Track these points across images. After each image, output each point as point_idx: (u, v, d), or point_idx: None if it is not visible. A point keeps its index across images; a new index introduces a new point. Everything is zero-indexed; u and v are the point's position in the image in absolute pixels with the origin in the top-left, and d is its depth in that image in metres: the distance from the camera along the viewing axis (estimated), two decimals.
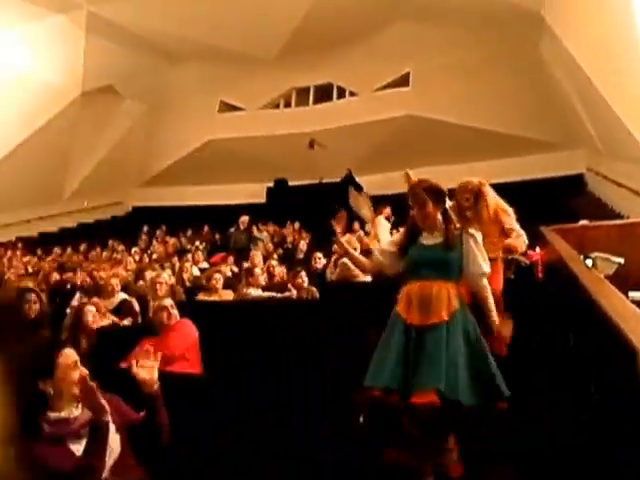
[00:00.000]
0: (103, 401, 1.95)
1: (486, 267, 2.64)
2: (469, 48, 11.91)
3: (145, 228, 12.73)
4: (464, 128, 11.96)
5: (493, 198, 3.87)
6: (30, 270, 8.99)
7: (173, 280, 5.91)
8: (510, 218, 3.85)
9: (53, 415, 1.93)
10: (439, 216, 2.65)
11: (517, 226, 3.81)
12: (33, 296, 4.09)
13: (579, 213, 8.00)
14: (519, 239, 3.80)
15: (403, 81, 13.16)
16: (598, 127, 9.44)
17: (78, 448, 1.92)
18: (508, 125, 11.85)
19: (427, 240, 2.68)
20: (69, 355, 2.01)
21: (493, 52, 11.75)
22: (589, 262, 4.71)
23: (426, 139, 12.23)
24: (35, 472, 1.81)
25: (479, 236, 2.66)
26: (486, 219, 3.74)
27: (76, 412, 1.96)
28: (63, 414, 1.94)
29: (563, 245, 4.80)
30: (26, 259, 10.18)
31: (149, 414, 2.16)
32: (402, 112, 12.63)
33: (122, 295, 5.14)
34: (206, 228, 11.95)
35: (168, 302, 3.93)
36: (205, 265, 8.18)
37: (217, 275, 5.46)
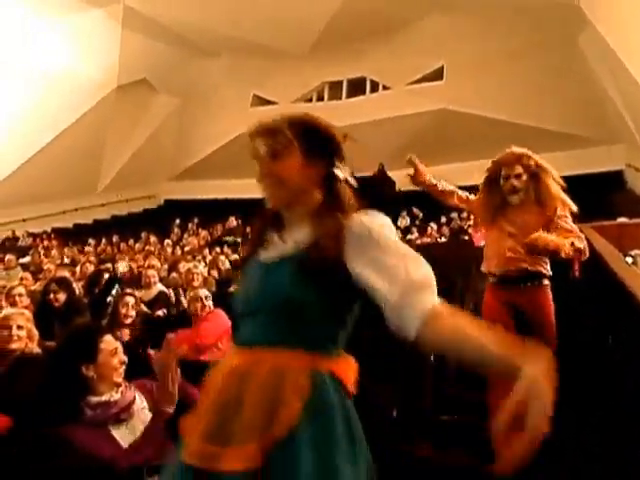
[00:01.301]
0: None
1: (431, 299, 1.03)
2: (504, 41, 11.69)
3: (177, 221, 12.88)
4: (499, 122, 11.74)
5: (556, 182, 2.80)
6: (67, 260, 9.18)
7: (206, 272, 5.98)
8: (567, 214, 2.74)
9: (94, 399, 1.98)
10: (314, 188, 1.21)
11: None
12: (53, 285, 4.16)
13: (618, 210, 7.78)
14: (576, 240, 2.56)
15: (437, 75, 13.01)
16: (638, 122, 9.17)
17: (119, 432, 1.98)
18: (544, 119, 11.58)
19: (269, 250, 1.22)
20: (110, 342, 2.07)
21: (529, 45, 11.51)
22: (629, 260, 4.59)
23: (460, 133, 12.07)
24: (76, 455, 1.85)
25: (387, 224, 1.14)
26: (538, 207, 2.77)
27: (116, 396, 2.01)
28: (104, 398, 1.98)
29: (602, 242, 4.67)
30: (63, 249, 10.40)
31: None
32: (436, 106, 12.50)
33: (159, 287, 5.21)
34: (239, 221, 12.02)
35: (202, 293, 3.96)
36: (237, 257, 8.24)
37: None
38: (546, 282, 2.75)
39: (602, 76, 10.01)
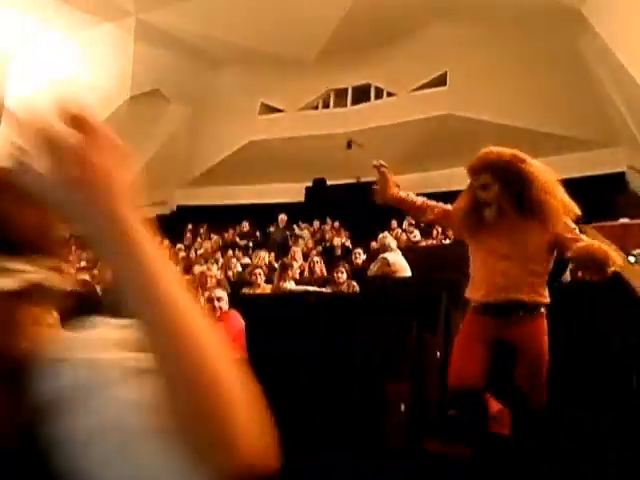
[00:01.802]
0: None
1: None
2: (507, 47, 11.82)
3: (189, 226, 13.16)
4: (502, 127, 11.82)
5: (549, 187, 2.22)
6: (84, 264, 9.43)
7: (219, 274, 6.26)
8: (569, 221, 2.31)
9: None
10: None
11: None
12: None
13: (620, 212, 7.87)
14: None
15: (440, 81, 13.13)
16: None
17: None
18: (546, 123, 11.67)
19: None
20: None
21: (531, 50, 11.61)
22: (632, 259, 4.76)
23: (464, 138, 12.05)
24: None
25: None
26: (538, 223, 2.23)
27: None
28: None
29: (605, 242, 4.82)
30: (80, 253, 10.63)
31: None
32: (440, 112, 12.61)
33: None
34: (248, 226, 12.27)
35: (216, 294, 4.04)
36: (247, 261, 8.50)
37: (258, 270, 5.77)
38: (543, 310, 2.27)
39: (603, 78, 10.13)
